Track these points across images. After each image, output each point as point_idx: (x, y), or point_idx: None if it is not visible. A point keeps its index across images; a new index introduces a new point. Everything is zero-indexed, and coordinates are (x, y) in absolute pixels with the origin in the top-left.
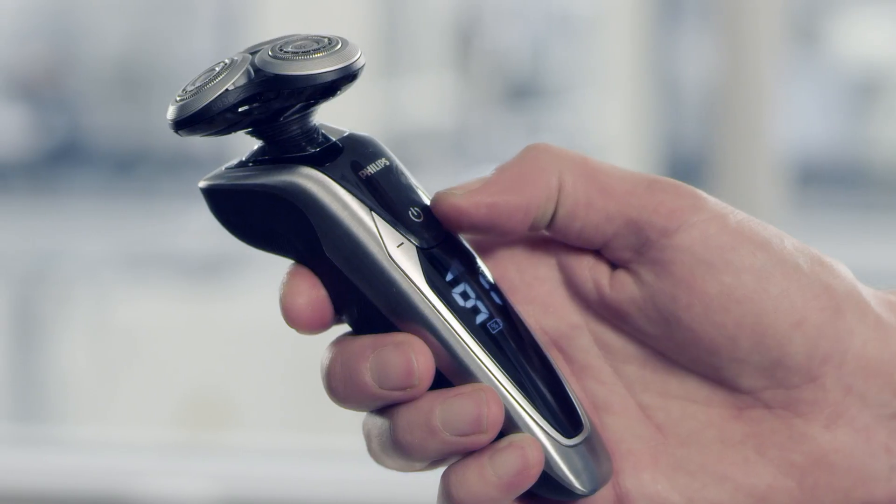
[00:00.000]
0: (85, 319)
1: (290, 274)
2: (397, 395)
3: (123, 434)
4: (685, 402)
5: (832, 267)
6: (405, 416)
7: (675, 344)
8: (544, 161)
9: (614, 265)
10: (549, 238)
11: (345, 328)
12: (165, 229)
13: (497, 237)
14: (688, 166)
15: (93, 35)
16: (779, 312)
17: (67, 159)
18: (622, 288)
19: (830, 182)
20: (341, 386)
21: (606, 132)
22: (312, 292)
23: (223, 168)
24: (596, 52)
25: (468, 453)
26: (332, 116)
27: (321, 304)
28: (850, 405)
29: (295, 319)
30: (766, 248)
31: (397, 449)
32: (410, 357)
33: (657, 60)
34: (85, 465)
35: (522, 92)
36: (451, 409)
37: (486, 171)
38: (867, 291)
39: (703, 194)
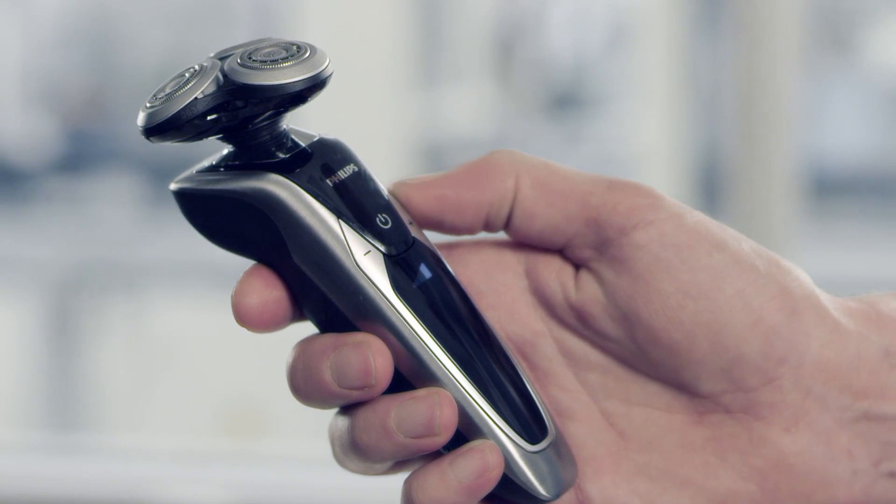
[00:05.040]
0: (122, 328)
1: (247, 273)
2: (356, 394)
3: (159, 442)
4: (647, 409)
5: (790, 270)
6: (363, 417)
7: (636, 346)
8: (503, 163)
9: (577, 266)
10: (517, 244)
11: (311, 329)
12: (203, 239)
13: (451, 233)
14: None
15: (132, 44)
16: (735, 312)
17: (106, 168)
18: (585, 288)
19: (863, 192)
20: (302, 384)
21: (644, 142)
22: (265, 293)
23: (194, 171)
24: (636, 62)
25: (427, 457)
26: (369, 125)
27: (273, 304)
28: (810, 408)
29: (243, 318)
30: (723, 248)
31: (355, 450)
32: (368, 357)
33: (696, 71)
34: (121, 474)
35: (563, 102)
36: (406, 411)
37: None
38: (825, 297)
39: (662, 194)
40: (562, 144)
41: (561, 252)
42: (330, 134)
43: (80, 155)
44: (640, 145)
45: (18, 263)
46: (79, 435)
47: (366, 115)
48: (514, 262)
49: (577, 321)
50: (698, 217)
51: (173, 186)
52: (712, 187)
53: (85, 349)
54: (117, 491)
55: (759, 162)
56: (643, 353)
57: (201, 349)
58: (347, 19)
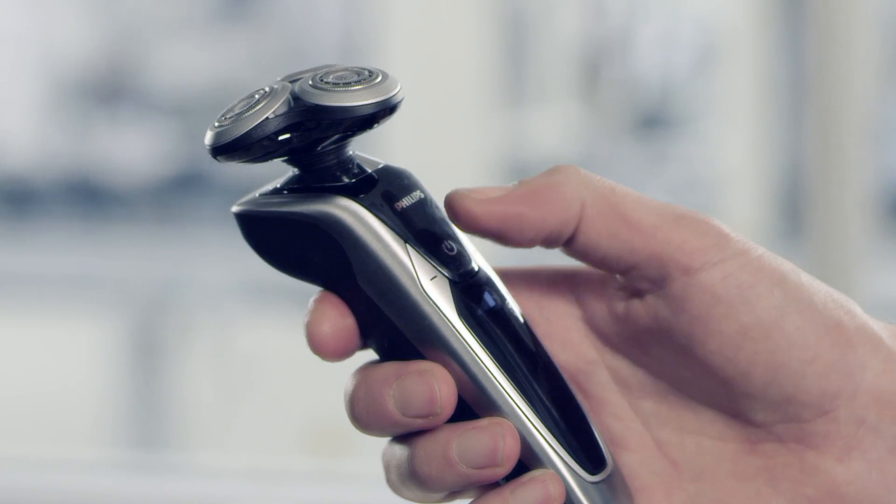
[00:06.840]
0: (207, 346)
1: (318, 301)
2: (419, 422)
3: (243, 461)
4: (700, 438)
5: (843, 303)
6: (423, 446)
7: (689, 374)
8: (570, 185)
9: (631, 294)
10: (570, 273)
11: (369, 355)
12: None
13: (506, 246)
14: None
15: (216, 65)
16: (793, 349)
17: (192, 187)
18: (637, 318)
19: None
20: (364, 413)
21: (729, 163)
22: (339, 320)
23: (257, 194)
24: (722, 82)
25: (488, 487)
26: (455, 145)
27: (346, 332)
28: (864, 437)
29: (319, 347)
30: (783, 284)
31: (415, 479)
32: (433, 385)
33: (780, 91)
34: (205, 492)
35: (649, 122)
36: (468, 441)
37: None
38: (879, 325)
39: (728, 231)
40: (647, 165)
41: (616, 279)
42: (395, 162)
43: (167, 172)
44: (726, 166)
45: (104, 281)
46: (163, 453)
47: (452, 135)
48: (566, 290)
49: (631, 349)
50: (760, 252)
51: (235, 209)
52: (794, 208)
53: (169, 367)
54: None
55: (837, 181)
56: (695, 383)
57: (285, 367)
58: (433, 39)
